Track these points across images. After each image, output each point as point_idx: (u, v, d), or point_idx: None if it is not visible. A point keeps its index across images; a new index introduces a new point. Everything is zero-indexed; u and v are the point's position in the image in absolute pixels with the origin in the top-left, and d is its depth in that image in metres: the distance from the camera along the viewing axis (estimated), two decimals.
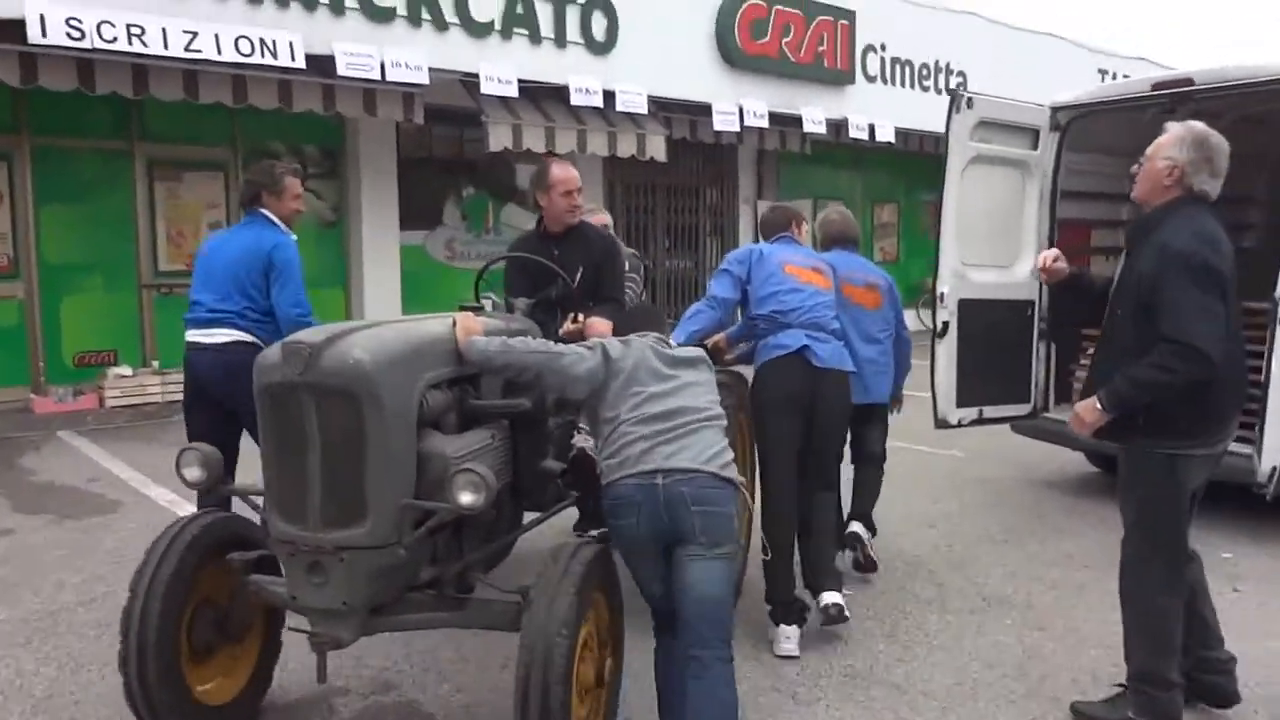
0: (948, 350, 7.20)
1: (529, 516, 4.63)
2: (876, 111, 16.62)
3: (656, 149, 13.67)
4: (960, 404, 7.32)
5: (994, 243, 7.50)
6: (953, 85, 17.96)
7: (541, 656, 3.12)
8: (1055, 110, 7.70)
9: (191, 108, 10.72)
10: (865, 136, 16.30)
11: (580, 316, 4.86)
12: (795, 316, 4.99)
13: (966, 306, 7.24)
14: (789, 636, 4.85)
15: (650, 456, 3.51)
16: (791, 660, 4.80)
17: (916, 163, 20.24)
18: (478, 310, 4.28)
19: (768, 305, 5.04)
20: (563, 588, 3.25)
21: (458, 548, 3.76)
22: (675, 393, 3.68)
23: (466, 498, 3.23)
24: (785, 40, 15.43)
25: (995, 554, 6.41)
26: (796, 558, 5.03)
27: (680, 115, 14.45)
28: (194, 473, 3.68)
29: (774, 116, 15.18)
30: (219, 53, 9.93)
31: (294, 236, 5.43)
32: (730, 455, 3.68)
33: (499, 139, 12.11)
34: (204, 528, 3.70)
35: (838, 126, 16.13)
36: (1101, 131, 7.94)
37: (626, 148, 13.39)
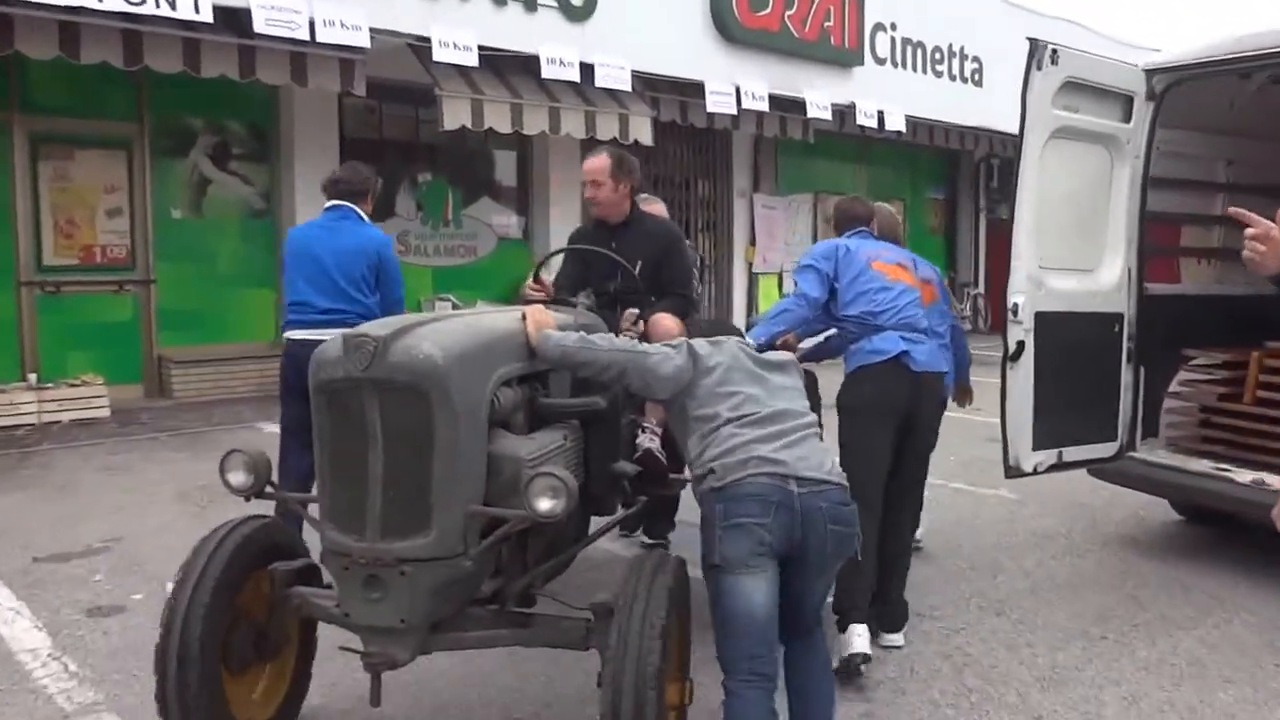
0: (1023, 378, 5.58)
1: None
2: (886, 97, 14.87)
3: (641, 132, 11.91)
4: (1037, 445, 5.69)
5: (1074, 241, 5.86)
6: (967, 71, 16.27)
7: (633, 677, 2.92)
8: (1150, 73, 5.97)
9: (85, 73, 8.98)
10: (874, 124, 14.58)
11: (639, 322, 4.66)
12: (887, 318, 4.77)
13: (1045, 322, 5.60)
14: (859, 633, 4.52)
15: (779, 458, 3.29)
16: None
17: (924, 157, 18.99)
18: (545, 305, 4.08)
19: (858, 306, 4.81)
20: (653, 604, 3.06)
21: (522, 558, 3.53)
22: (773, 396, 3.50)
23: (545, 504, 3.05)
24: (788, 13, 13.69)
25: (1099, 661, 4.71)
26: None
27: (669, 95, 12.73)
28: (239, 478, 3.45)
29: (774, 100, 13.44)
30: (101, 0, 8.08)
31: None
32: (839, 465, 3.51)
33: (455, 116, 10.34)
34: (247, 535, 3.44)
35: (843, 113, 14.40)
36: (1205, 102, 6.31)
37: (607, 129, 11.63)
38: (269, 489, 3.54)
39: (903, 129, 14.96)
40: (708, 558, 3.27)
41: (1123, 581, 5.76)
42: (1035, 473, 5.72)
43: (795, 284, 4.94)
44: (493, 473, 3.24)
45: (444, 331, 3.22)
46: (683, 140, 14.78)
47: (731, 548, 3.20)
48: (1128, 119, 5.92)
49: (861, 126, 14.66)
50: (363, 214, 5.64)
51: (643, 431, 4.42)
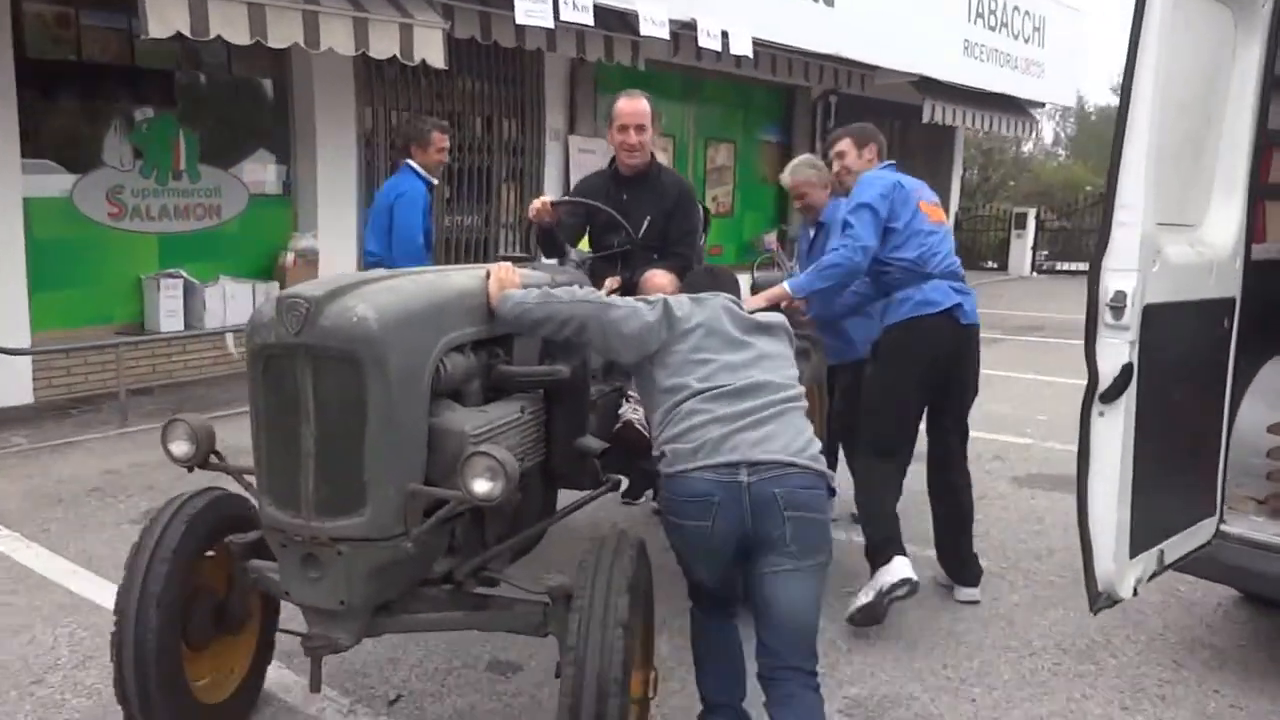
0: (1121, 432, 3.25)
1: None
2: (731, 14, 12.30)
3: (430, 50, 9.12)
4: (1137, 548, 3.40)
5: (1186, 175, 3.52)
6: None
7: (595, 666, 2.77)
8: None
9: None
10: (717, 46, 12.06)
11: (615, 280, 4.44)
12: (935, 264, 4.47)
13: (1155, 322, 3.28)
14: (904, 561, 4.36)
15: (731, 444, 3.01)
16: None
17: (758, 94, 16.95)
18: (520, 260, 3.92)
19: (910, 250, 4.46)
20: (614, 586, 2.90)
21: (480, 537, 3.35)
22: (752, 364, 3.19)
23: (481, 486, 2.84)
24: None
25: None
26: None
27: (467, 2, 9.94)
28: (181, 447, 3.31)
29: (600, 13, 10.74)
30: None
31: (434, 181, 6.75)
32: (819, 445, 3.14)
33: (165, 19, 7.31)
34: (202, 506, 3.34)
35: (678, 35, 11.83)
36: None
37: (385, 45, 8.79)
38: (213, 459, 3.36)
39: (749, 52, 12.47)
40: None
41: None
42: (1135, 595, 3.44)
43: (849, 226, 4.39)
44: (436, 448, 3.03)
45: (385, 290, 3.00)
46: (484, 66, 11.99)
47: (677, 545, 3.14)
48: None
49: (700, 50, 12.16)
50: (416, 165, 6.53)
51: (627, 401, 4.24)
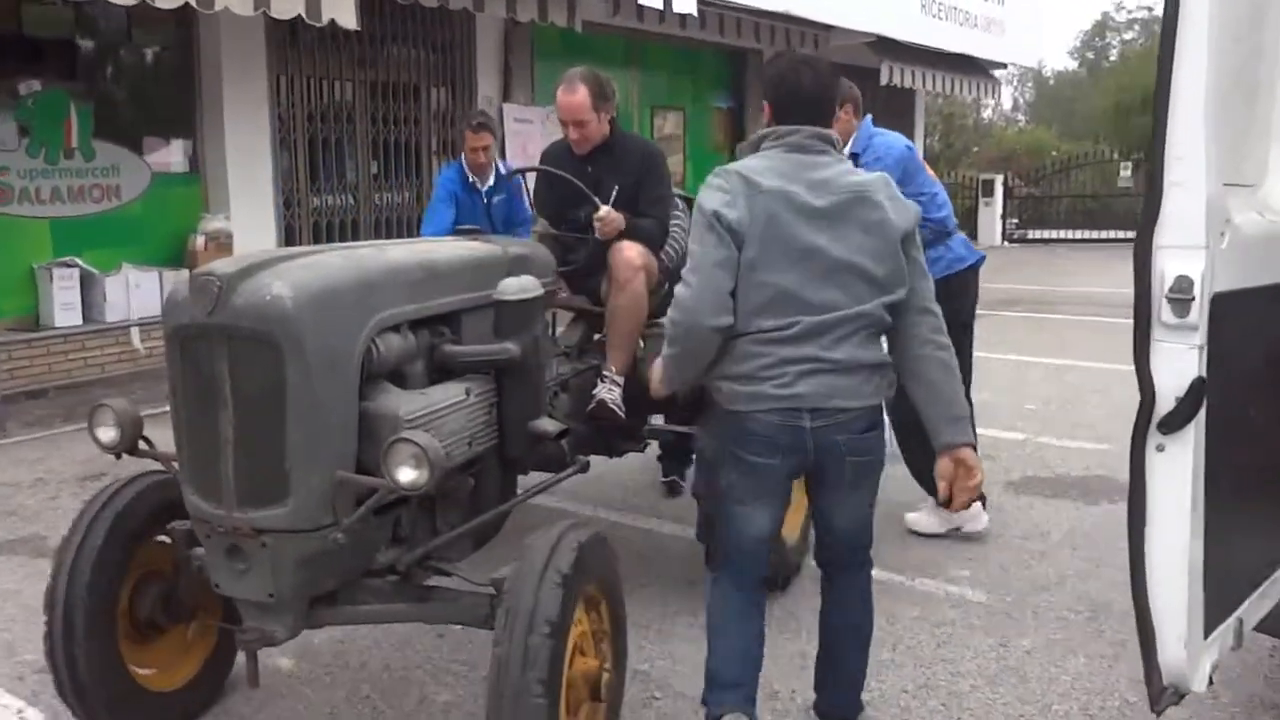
0: (1192, 470, 2.43)
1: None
2: None
3: (340, 9, 8.24)
4: (1211, 623, 2.57)
5: (1234, 121, 2.70)
6: None
7: (519, 657, 2.62)
8: None
9: None
10: (659, 5, 11.25)
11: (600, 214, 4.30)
12: (951, 222, 4.72)
13: (1226, 316, 2.45)
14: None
15: (793, 390, 2.86)
16: None
17: (707, 58, 16.14)
18: (472, 234, 3.99)
19: (935, 209, 4.59)
20: (547, 576, 2.73)
21: (431, 525, 3.27)
22: (820, 284, 2.87)
23: (405, 475, 2.72)
24: None
25: None
26: None
27: None
28: (108, 434, 3.18)
29: None
30: None
31: (471, 178, 6.60)
32: (887, 373, 3.01)
33: None
34: (142, 490, 3.26)
35: None
36: None
37: (288, 5, 7.91)
38: (142, 444, 3.22)
39: (694, 11, 11.68)
40: (707, 470, 3.11)
41: None
42: (1210, 684, 2.63)
43: None
44: (369, 433, 2.91)
45: (305, 268, 2.86)
46: (409, 29, 11.11)
47: (735, 481, 2.99)
48: None
49: (640, 9, 11.35)
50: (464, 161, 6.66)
51: (602, 381, 4.19)
